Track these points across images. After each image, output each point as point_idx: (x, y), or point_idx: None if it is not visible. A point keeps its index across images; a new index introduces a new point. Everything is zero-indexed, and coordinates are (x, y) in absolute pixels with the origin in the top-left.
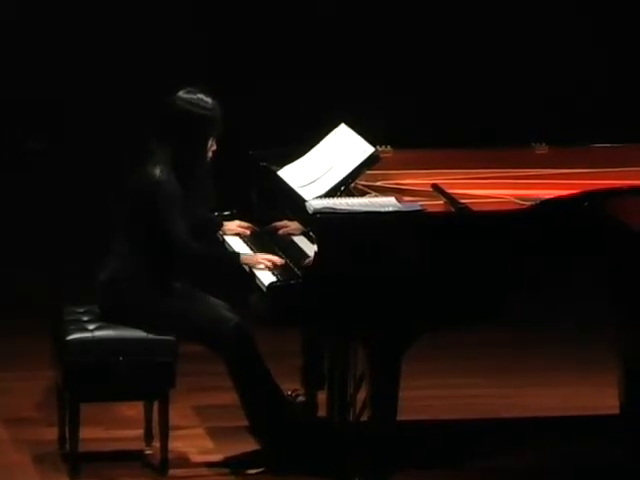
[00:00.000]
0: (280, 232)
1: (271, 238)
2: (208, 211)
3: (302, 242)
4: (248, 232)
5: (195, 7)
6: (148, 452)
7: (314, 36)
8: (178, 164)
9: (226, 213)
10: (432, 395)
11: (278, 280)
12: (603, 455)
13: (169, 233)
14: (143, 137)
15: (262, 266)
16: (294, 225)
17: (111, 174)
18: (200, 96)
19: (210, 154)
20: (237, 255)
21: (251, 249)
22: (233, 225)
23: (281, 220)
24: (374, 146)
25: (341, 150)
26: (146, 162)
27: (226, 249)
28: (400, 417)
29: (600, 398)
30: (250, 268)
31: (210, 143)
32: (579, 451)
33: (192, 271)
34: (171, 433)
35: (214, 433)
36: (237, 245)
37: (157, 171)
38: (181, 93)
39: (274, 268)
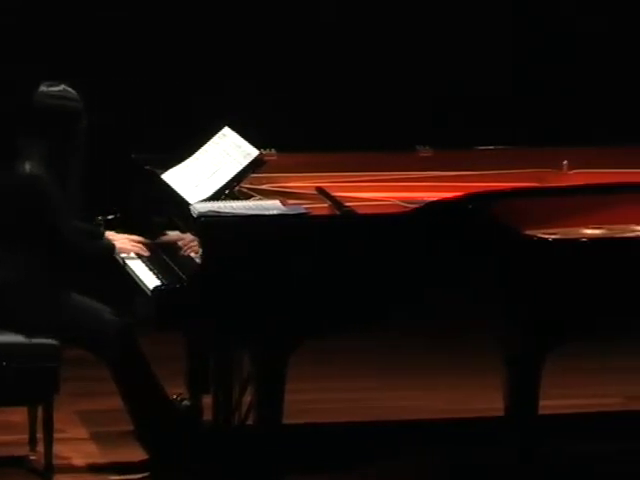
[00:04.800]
0: (182, 253)
1: (162, 249)
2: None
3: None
4: (146, 253)
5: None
6: (32, 457)
7: (202, 39)
8: (55, 160)
9: (110, 217)
10: (321, 398)
11: (163, 284)
12: (489, 456)
13: (58, 230)
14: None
15: (133, 254)
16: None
17: None
18: (64, 87)
19: None
20: (112, 245)
21: (154, 274)
22: (126, 244)
23: (166, 225)
24: (258, 149)
25: (225, 153)
26: (15, 160)
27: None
28: (293, 420)
29: (489, 400)
30: (123, 261)
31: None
32: (466, 452)
33: (80, 269)
34: (55, 438)
35: (98, 438)
36: (142, 272)
37: (28, 167)
38: (44, 88)
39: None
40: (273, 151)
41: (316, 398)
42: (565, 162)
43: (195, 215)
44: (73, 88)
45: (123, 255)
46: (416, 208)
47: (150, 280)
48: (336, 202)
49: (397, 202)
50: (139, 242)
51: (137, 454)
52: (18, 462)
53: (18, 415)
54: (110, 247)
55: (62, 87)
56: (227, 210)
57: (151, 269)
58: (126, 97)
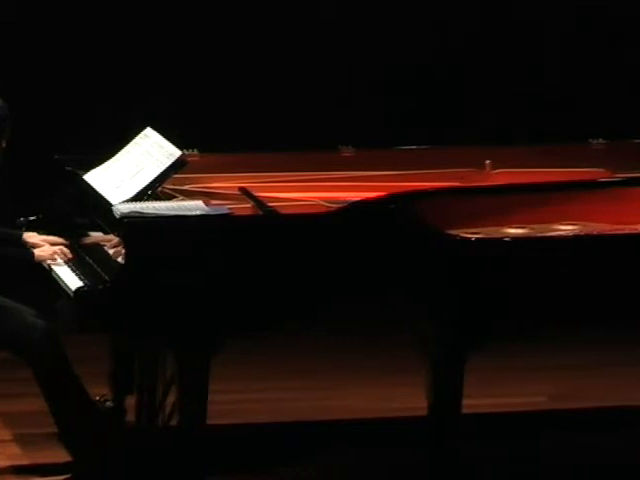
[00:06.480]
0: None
1: (85, 251)
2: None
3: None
4: (69, 255)
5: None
6: None
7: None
8: None
9: (32, 218)
10: (245, 399)
11: (85, 285)
12: (413, 456)
13: None
14: None
15: (59, 260)
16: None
17: None
18: None
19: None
20: (31, 254)
21: (77, 276)
22: (46, 251)
23: (89, 227)
24: (181, 149)
25: (148, 154)
26: None
27: (20, 249)
28: (218, 421)
29: (412, 399)
30: (49, 267)
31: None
32: (389, 452)
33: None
34: None
35: (22, 440)
36: (66, 275)
37: None
38: None
39: (67, 258)
40: (196, 151)
41: (240, 398)
42: (488, 162)
43: (118, 216)
44: None
45: (49, 260)
46: (339, 208)
47: (73, 282)
48: (259, 202)
49: (320, 202)
50: (60, 244)
51: (61, 456)
52: None
53: None
54: (28, 257)
55: None
56: (150, 211)
57: (74, 271)
58: (49, 98)
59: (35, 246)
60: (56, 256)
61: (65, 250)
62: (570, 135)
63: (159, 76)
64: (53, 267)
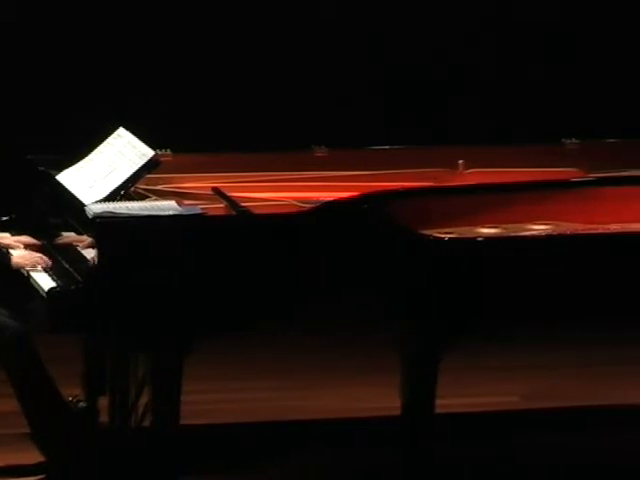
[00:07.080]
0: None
1: (58, 252)
2: None
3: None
4: (49, 263)
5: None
6: None
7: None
8: None
9: (5, 219)
10: (221, 399)
11: (58, 286)
12: (389, 455)
13: None
14: None
15: (38, 267)
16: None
17: None
18: None
19: None
20: (8, 259)
21: (50, 276)
22: (24, 257)
23: (62, 227)
24: (154, 149)
25: (120, 154)
26: None
27: None
28: (194, 421)
29: (388, 399)
30: (28, 273)
31: None
32: (364, 452)
33: None
34: None
35: None
36: (41, 278)
37: None
38: None
39: (47, 266)
40: (168, 151)
41: (216, 398)
42: (461, 161)
43: (90, 216)
44: None
45: (28, 267)
46: (312, 208)
47: (46, 282)
48: (232, 202)
49: (293, 202)
50: (32, 244)
51: (34, 456)
52: None
53: None
54: (5, 262)
55: None
56: (122, 211)
57: (47, 271)
58: (22, 97)
59: (8, 247)
60: (34, 262)
61: (45, 258)
62: (570, 135)
63: (135, 76)
64: (32, 273)
